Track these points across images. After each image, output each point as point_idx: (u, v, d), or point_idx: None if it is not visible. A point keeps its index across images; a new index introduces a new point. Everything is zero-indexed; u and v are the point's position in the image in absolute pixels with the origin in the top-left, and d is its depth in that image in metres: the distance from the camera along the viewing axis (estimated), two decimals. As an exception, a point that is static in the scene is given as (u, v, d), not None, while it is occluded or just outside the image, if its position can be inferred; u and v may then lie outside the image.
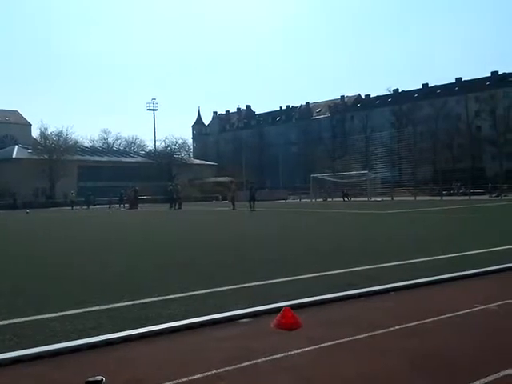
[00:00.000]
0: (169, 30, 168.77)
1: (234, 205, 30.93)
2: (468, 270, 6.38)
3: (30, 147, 66.06)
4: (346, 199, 45.71)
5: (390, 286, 5.60)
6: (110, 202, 47.82)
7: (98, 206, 49.39)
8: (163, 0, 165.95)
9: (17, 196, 53.07)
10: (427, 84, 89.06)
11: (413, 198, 43.05)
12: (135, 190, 41.54)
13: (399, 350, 3.59)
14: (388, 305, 5.00)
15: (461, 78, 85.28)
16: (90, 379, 3.18)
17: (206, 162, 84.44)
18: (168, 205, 36.46)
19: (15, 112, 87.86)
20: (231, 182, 48.50)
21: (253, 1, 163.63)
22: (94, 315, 4.73)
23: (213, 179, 73.45)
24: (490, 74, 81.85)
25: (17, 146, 68.58)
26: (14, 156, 64.14)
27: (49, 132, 65.30)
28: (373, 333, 3.98)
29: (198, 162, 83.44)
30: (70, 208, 45.19)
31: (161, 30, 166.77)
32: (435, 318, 4.36)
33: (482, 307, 4.70)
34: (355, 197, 47.13)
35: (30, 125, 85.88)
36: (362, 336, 3.91)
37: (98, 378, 3.20)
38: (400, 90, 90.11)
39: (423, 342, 3.76)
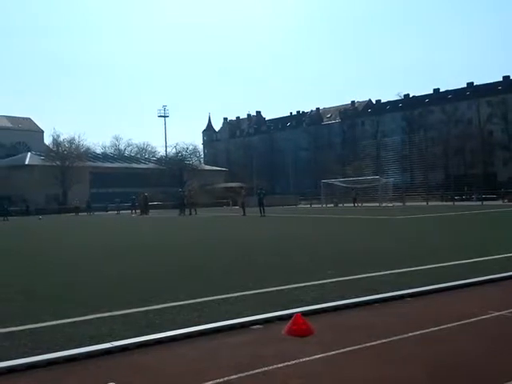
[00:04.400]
0: (180, 37, 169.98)
1: (244, 210, 30.93)
2: (483, 276, 6.31)
3: (42, 154, 66.70)
4: (355, 204, 45.53)
5: (406, 292, 5.55)
6: (118, 208, 48.20)
7: (109, 212, 49.82)
8: (174, 7, 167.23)
9: (29, 202, 53.60)
10: (438, 89, 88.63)
11: (425, 204, 42.74)
12: (145, 196, 41.74)
13: (414, 357, 3.55)
14: (403, 311, 4.95)
15: (472, 83, 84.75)
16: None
17: (216, 168, 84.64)
18: (178, 210, 36.63)
19: (28, 119, 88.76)
20: (241, 187, 48.55)
21: (263, 8, 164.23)
22: (107, 321, 4.74)
23: (223, 185, 73.57)
24: (501, 79, 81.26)
25: (29, 153, 69.22)
26: (26, 163, 64.74)
27: (61, 139, 66.08)
28: (388, 339, 3.94)
29: (208, 167, 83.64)
30: (74, 214, 45.89)
31: (172, 38, 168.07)
32: (451, 325, 4.31)
33: (497, 314, 4.64)
34: (366, 202, 46.89)
35: (43, 132, 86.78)
36: (376, 343, 3.87)
37: (111, 384, 3.20)
38: (411, 95, 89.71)
39: (439, 349, 3.71)
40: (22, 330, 4.50)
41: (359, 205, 45.35)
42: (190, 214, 35.03)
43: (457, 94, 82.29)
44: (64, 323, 4.70)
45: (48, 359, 3.65)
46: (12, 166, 63.17)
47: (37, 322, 4.73)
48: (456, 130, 75.56)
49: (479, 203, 40.17)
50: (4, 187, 55.89)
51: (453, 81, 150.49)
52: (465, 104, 78.66)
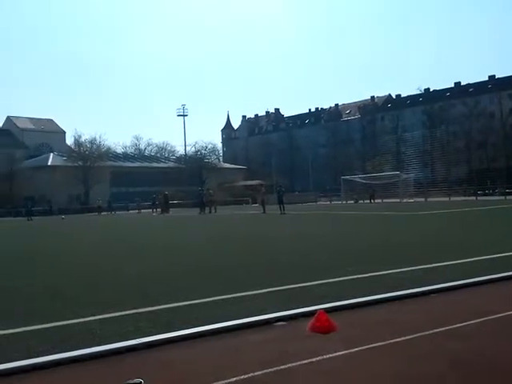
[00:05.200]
0: (198, 35, 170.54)
1: (264, 208, 30.94)
2: (507, 272, 6.22)
3: (64, 154, 67.72)
4: (372, 201, 45.25)
5: (428, 289, 5.51)
6: (138, 207, 48.60)
7: (130, 211, 50.35)
8: (193, 6, 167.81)
9: (52, 203, 54.47)
10: (459, 82, 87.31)
11: (447, 199, 42.22)
12: (165, 195, 42.00)
13: (438, 353, 3.53)
14: (426, 307, 4.92)
15: (494, 76, 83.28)
16: (129, 382, 3.23)
17: (235, 166, 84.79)
18: (198, 209, 36.84)
19: (50, 120, 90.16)
20: (261, 185, 48.62)
21: (279, 4, 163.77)
22: (132, 318, 4.80)
23: (242, 183, 73.70)
24: (524, 71, 79.74)
25: (52, 154, 70.32)
26: (49, 163, 65.80)
27: (82, 139, 67.05)
28: (411, 336, 3.92)
29: (227, 165, 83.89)
30: (96, 213, 46.56)
31: (190, 36, 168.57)
32: (474, 321, 4.27)
33: (524, 310, 4.58)
34: (387, 198, 46.51)
35: (65, 133, 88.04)
36: (400, 339, 3.85)
37: (137, 380, 3.24)
38: (431, 90, 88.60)
39: (463, 345, 3.69)
40: (47, 328, 4.58)
41: (375, 201, 44.98)
42: (210, 212, 35.19)
43: (478, 87, 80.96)
44: (88, 320, 4.78)
45: (72, 356, 3.71)
46: (35, 166, 64.28)
47: (61, 320, 4.81)
48: (478, 123, 74.38)
49: (502, 198, 39.49)
50: (28, 188, 56.95)
51: (474, 74, 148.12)
52: (486, 97, 77.34)
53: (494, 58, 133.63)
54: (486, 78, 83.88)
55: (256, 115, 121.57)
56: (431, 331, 4.02)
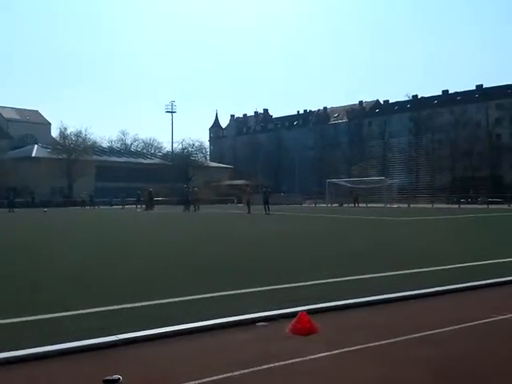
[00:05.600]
0: (188, 32, 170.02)
1: (249, 208, 30.96)
2: (484, 280, 6.32)
3: (49, 146, 66.95)
4: (356, 205, 45.57)
5: (409, 294, 5.57)
6: (122, 203, 48.29)
7: (114, 207, 50.01)
8: (182, 3, 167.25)
9: (35, 194, 53.83)
10: (447, 91, 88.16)
11: (430, 206, 42.61)
12: (150, 192, 41.85)
13: (419, 358, 3.57)
14: (406, 312, 4.97)
15: (481, 85, 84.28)
16: (108, 378, 3.22)
17: (222, 165, 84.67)
18: (182, 206, 36.76)
19: (36, 112, 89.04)
20: (246, 185, 48.58)
21: (271, 5, 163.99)
22: (115, 313, 4.78)
23: (228, 182, 73.60)
24: (511, 82, 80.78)
25: (36, 145, 69.52)
26: (33, 155, 65.03)
27: (68, 132, 66.34)
28: (392, 340, 3.96)
29: (214, 164, 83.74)
30: (79, 207, 46.21)
31: (180, 33, 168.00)
32: (454, 327, 4.32)
33: (500, 317, 4.65)
34: (371, 203, 46.82)
35: (50, 124, 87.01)
36: (379, 343, 3.89)
37: (116, 376, 3.23)
38: (419, 96, 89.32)
39: (443, 351, 3.73)
40: (28, 321, 4.54)
41: (359, 205, 45.26)
42: (195, 210, 35.12)
43: (466, 96, 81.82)
44: (71, 315, 4.74)
45: (51, 351, 3.68)
46: (19, 157, 63.43)
47: (40, 314, 4.77)
48: (464, 132, 75.13)
49: (485, 206, 40.00)
50: (11, 179, 56.16)
51: (462, 83, 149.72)
52: (473, 106, 78.19)
53: (481, 67, 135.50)
54: (474, 88, 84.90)
55: (245, 115, 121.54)
56: (410, 336, 4.06)
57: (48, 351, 3.67)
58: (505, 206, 40.81)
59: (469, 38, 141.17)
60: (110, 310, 4.92)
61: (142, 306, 5.13)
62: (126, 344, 3.89)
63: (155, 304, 5.18)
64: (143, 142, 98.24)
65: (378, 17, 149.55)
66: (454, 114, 76.57)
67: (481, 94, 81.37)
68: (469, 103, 78.35)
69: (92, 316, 4.72)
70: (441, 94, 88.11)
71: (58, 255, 9.85)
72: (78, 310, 4.93)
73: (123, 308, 5.01)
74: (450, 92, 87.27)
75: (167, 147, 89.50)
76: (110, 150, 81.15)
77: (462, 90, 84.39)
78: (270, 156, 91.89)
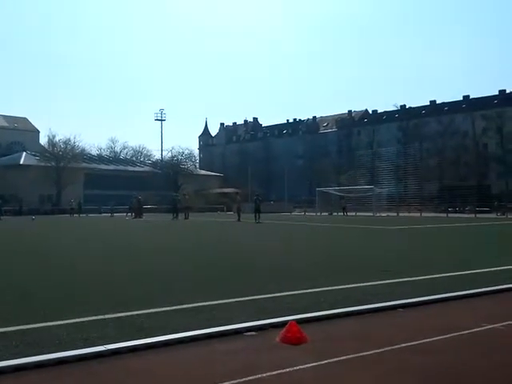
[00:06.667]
0: (178, 40, 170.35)
1: (239, 216, 30.91)
2: (475, 289, 6.33)
3: (37, 154, 66.41)
4: (345, 213, 45.69)
5: (398, 303, 5.56)
6: (111, 211, 48.00)
7: (103, 214, 49.68)
8: (172, 10, 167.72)
9: (23, 202, 53.31)
10: (435, 101, 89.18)
11: (418, 215, 42.84)
12: (138, 200, 41.67)
13: (409, 367, 3.55)
14: (395, 321, 4.96)
15: (468, 96, 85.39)
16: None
17: (211, 173, 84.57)
18: (171, 215, 36.63)
19: (24, 119, 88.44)
20: (236, 193, 48.49)
21: (262, 13, 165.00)
22: (100, 324, 4.71)
23: (218, 190, 73.49)
24: (497, 93, 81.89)
25: (24, 153, 68.91)
26: (21, 162, 64.43)
27: (57, 139, 65.79)
28: (381, 349, 3.94)
29: (203, 172, 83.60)
30: (68, 215, 45.86)
31: (170, 41, 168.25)
32: (444, 336, 4.32)
33: (490, 326, 4.66)
34: (360, 211, 46.96)
35: (39, 132, 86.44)
36: (369, 352, 3.87)
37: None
38: (407, 106, 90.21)
39: (433, 360, 3.72)
40: (14, 331, 4.45)
41: (347, 214, 45.36)
42: (185, 218, 34.99)
43: (453, 106, 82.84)
44: (55, 325, 4.66)
45: (37, 361, 3.62)
46: (7, 165, 62.80)
47: (30, 323, 4.69)
48: (451, 141, 75.98)
49: (472, 215, 40.30)
50: (-2, 186, 55.59)
51: (449, 93, 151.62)
52: (460, 116, 79.11)
53: (468, 78, 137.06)
54: (461, 98, 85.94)
55: (234, 123, 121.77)
56: (400, 345, 4.04)
57: (27, 363, 3.59)
58: (493, 216, 41.15)
59: (456, 49, 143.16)
60: (94, 320, 4.85)
61: (128, 315, 5.06)
62: (113, 354, 3.83)
63: (144, 314, 5.11)
64: (133, 149, 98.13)
65: (367, 27, 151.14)
66: (442, 124, 77.43)
67: (467, 104, 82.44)
68: (456, 113, 79.31)
69: (74, 326, 4.64)
70: (428, 104, 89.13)
71: (47, 263, 9.73)
72: (61, 319, 4.85)
73: (107, 318, 4.94)
74: (437, 102, 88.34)
75: (157, 155, 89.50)
76: (99, 158, 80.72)
77: (450, 101, 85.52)
78: (259, 164, 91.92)
